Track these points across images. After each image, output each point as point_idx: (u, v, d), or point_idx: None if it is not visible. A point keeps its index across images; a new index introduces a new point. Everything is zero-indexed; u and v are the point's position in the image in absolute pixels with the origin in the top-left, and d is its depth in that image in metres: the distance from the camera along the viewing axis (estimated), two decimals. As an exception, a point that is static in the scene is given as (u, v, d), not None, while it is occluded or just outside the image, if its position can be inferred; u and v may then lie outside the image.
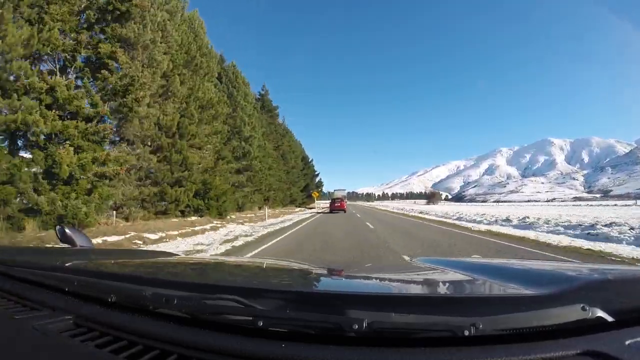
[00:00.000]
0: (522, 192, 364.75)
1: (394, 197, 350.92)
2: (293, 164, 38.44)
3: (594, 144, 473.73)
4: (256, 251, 6.78)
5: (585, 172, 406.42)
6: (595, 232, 7.95)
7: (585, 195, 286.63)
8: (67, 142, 8.30)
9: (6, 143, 7.86)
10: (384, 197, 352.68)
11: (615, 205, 40.06)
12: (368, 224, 13.31)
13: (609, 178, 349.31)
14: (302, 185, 42.64)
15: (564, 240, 7.34)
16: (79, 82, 9.22)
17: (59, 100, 8.11)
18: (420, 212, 23.63)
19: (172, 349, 0.53)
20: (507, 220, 12.61)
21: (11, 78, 7.51)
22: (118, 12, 9.61)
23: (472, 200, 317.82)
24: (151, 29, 10.37)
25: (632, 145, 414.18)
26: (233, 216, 16.99)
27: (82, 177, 8.28)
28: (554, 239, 7.56)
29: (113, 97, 9.60)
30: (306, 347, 0.50)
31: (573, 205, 49.53)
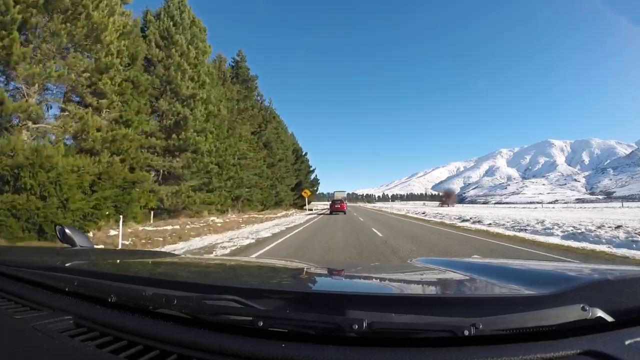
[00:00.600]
0: (524, 193, 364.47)
1: (394, 198, 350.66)
2: (281, 156, 31.00)
3: (595, 145, 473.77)
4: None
5: (586, 173, 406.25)
6: None
7: (587, 197, 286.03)
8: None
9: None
10: (384, 198, 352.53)
11: (629, 207, 36.13)
12: (400, 245, 7.46)
13: (610, 179, 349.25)
14: (293, 183, 35.60)
15: None
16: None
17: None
18: (442, 217, 18.34)
19: (172, 349, 0.53)
20: (557, 225, 10.36)
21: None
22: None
23: (473, 201, 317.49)
24: None
25: (632, 146, 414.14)
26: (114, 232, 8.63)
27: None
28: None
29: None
30: (306, 347, 0.50)
31: (581, 207, 45.33)
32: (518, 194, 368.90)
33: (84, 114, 9.58)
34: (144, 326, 0.60)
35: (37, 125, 8.81)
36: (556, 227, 10.23)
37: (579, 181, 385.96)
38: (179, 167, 14.33)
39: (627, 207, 37.59)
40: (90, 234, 8.46)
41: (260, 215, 20.83)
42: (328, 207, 38.88)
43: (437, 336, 0.50)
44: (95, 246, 1.33)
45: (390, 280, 1.05)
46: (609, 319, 0.51)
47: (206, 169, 15.91)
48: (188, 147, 14.37)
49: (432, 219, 18.24)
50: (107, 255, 1.37)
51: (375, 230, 11.03)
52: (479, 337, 0.48)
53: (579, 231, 8.95)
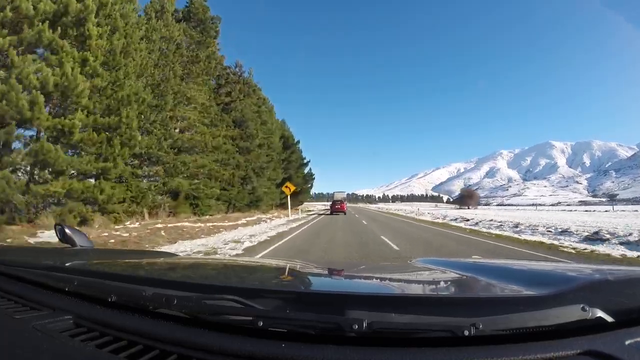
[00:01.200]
0: (525, 195, 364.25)
1: (395, 199, 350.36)
2: (261, 141, 22.71)
3: (596, 147, 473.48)
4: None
5: (588, 175, 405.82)
6: None
7: (590, 199, 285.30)
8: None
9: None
10: (384, 199, 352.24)
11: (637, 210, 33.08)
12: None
13: (613, 182, 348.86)
14: (280, 177, 27.31)
15: None
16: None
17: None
18: (490, 224, 13.71)
19: (172, 349, 0.53)
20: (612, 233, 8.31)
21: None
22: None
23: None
24: None
25: (634, 149, 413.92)
26: None
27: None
28: None
29: None
30: (306, 347, 0.50)
31: (586, 210, 41.87)
32: (520, 195, 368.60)
33: None
34: (144, 326, 0.60)
35: None
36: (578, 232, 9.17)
37: (580, 183, 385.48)
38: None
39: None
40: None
41: (201, 225, 11.72)
42: (327, 207, 38.25)
43: (437, 336, 0.50)
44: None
45: (390, 280, 1.05)
46: (609, 319, 0.51)
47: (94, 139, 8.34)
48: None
49: (486, 229, 12.13)
50: (107, 255, 1.37)
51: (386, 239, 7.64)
52: (479, 337, 0.48)
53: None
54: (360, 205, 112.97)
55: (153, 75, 12.81)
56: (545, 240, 8.85)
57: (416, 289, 0.92)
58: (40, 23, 7.81)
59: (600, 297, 0.54)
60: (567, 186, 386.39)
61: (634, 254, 6.32)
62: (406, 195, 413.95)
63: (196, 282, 0.81)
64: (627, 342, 0.49)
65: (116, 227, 9.81)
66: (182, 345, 0.53)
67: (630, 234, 8.28)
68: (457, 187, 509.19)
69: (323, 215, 25.43)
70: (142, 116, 11.54)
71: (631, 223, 12.49)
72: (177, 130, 14.92)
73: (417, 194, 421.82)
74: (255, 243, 8.58)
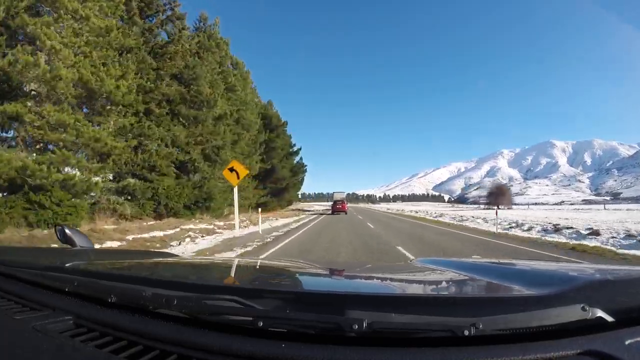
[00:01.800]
0: (528, 194, 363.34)
1: (396, 199, 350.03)
2: (223, 110, 15.74)
3: (596, 146, 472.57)
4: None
5: (589, 174, 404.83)
6: None
7: (594, 198, 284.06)
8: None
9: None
10: (384, 199, 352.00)
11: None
12: None
13: (615, 180, 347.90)
14: (256, 168, 20.57)
15: None
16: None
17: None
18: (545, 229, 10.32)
19: (172, 349, 0.53)
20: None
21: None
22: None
23: (476, 202, 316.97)
24: None
25: (635, 147, 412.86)
26: None
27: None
28: None
29: None
30: (306, 347, 0.50)
31: (616, 209, 38.79)
32: (522, 194, 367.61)
33: None
34: (144, 326, 0.60)
35: None
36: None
37: (582, 182, 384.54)
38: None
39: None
40: None
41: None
42: (327, 207, 37.44)
43: (437, 336, 0.50)
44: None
45: (390, 280, 1.05)
46: (609, 318, 0.51)
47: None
48: None
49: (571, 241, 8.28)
50: (107, 255, 1.37)
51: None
52: (479, 337, 0.48)
53: None
54: (362, 205, 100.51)
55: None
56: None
57: (416, 289, 0.92)
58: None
59: (600, 296, 0.54)
60: (569, 185, 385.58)
61: None
62: (407, 195, 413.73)
63: (196, 282, 0.81)
64: (627, 342, 0.49)
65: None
66: (182, 345, 0.53)
67: None
68: (457, 187, 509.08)
69: (321, 218, 20.42)
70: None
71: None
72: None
73: (418, 194, 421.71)
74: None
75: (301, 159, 35.22)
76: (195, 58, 14.60)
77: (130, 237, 8.31)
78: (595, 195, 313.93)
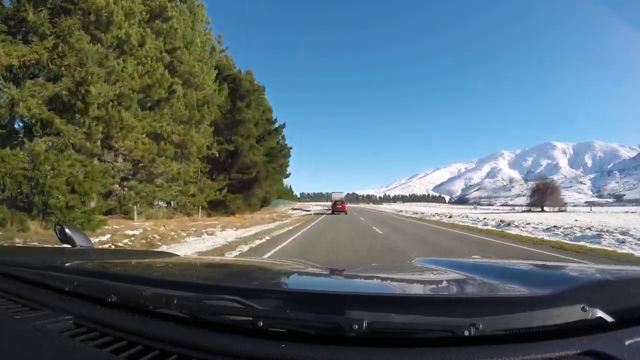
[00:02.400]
0: (530, 195, 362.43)
1: (396, 199, 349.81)
2: (138, 40, 10.05)
3: (597, 148, 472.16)
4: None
5: (591, 176, 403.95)
6: None
7: (597, 200, 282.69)
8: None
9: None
10: (385, 199, 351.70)
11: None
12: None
13: (617, 182, 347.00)
14: (200, 142, 13.82)
15: None
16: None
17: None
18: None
19: (172, 349, 0.53)
20: None
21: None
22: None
23: (477, 203, 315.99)
24: None
25: (635, 149, 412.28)
26: None
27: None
28: None
29: None
30: (306, 347, 0.50)
31: (622, 211, 34.69)
32: (524, 196, 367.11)
33: None
34: (144, 326, 0.60)
35: None
36: None
37: (584, 184, 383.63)
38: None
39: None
40: None
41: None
42: (326, 208, 37.06)
43: (437, 336, 0.50)
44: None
45: (390, 280, 1.05)
46: (609, 319, 0.51)
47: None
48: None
49: None
50: (107, 255, 1.37)
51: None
52: (479, 337, 0.48)
53: None
54: (363, 205, 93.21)
55: None
56: None
57: (416, 289, 0.92)
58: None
59: (600, 297, 0.54)
60: (570, 187, 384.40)
61: None
62: (407, 195, 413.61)
63: (196, 282, 0.81)
64: (627, 342, 0.49)
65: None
66: (182, 345, 0.53)
67: None
68: (457, 188, 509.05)
69: (315, 224, 15.11)
70: None
71: None
72: None
73: (418, 194, 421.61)
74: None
75: (284, 138, 24.25)
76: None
77: None
78: (598, 197, 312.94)
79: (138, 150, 11.19)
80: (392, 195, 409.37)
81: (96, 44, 9.11)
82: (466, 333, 0.47)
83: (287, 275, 1.16)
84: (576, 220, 16.80)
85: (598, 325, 0.51)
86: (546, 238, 9.41)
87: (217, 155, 17.26)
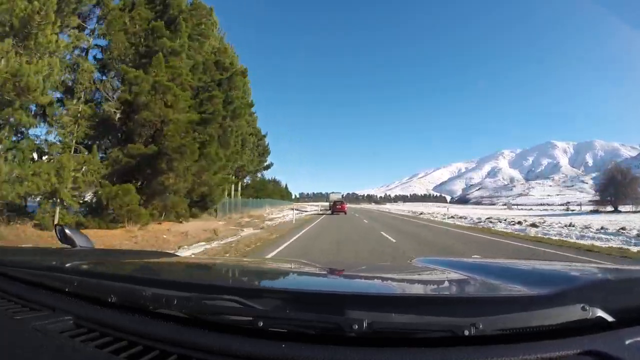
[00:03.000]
0: (532, 195, 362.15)
1: (397, 199, 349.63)
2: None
3: (598, 147, 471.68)
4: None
5: (592, 175, 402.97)
6: None
7: (600, 199, 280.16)
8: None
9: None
10: (385, 199, 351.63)
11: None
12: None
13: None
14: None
15: None
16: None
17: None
18: None
19: (172, 349, 0.53)
20: None
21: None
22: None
23: (478, 203, 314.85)
24: None
25: (636, 148, 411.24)
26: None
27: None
28: None
29: None
30: (306, 347, 0.50)
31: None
32: (525, 195, 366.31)
33: None
34: (144, 326, 0.60)
35: None
36: None
37: (586, 183, 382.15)
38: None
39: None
40: None
41: None
42: (320, 208, 36.58)
43: (437, 336, 0.50)
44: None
45: (390, 280, 1.05)
46: (609, 318, 0.51)
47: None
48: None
49: None
50: (107, 255, 1.37)
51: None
52: (479, 337, 0.48)
53: None
54: (365, 206, 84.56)
55: None
56: None
57: (416, 289, 0.92)
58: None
59: (600, 296, 0.54)
60: (572, 186, 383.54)
61: None
62: (408, 195, 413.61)
63: (196, 282, 0.81)
64: (627, 342, 0.49)
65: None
66: (182, 345, 0.53)
67: None
68: (458, 187, 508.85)
69: (302, 234, 10.77)
70: None
71: None
72: None
73: (418, 194, 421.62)
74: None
75: (244, 85, 16.88)
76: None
77: None
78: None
79: None
80: (392, 195, 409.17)
81: None
82: (466, 333, 0.47)
83: (287, 275, 1.16)
84: None
85: (598, 325, 0.51)
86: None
87: (115, 113, 10.16)
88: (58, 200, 9.23)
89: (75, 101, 10.20)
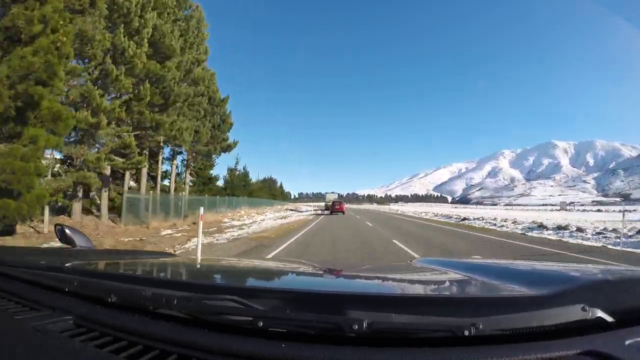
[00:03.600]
0: (533, 195, 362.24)
1: (398, 199, 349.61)
2: None
3: (599, 147, 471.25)
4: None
5: (593, 175, 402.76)
6: None
7: (603, 199, 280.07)
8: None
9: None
10: (386, 199, 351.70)
11: None
12: None
13: (622, 181, 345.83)
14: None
15: None
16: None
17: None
18: None
19: (172, 349, 0.53)
20: None
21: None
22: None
23: (479, 203, 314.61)
24: None
25: (637, 148, 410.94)
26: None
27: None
28: None
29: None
30: (306, 347, 0.50)
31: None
32: (527, 195, 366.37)
33: None
34: (144, 326, 0.60)
35: None
36: None
37: (588, 182, 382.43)
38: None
39: None
40: None
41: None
42: (315, 209, 36.31)
43: (437, 336, 0.50)
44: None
45: (390, 280, 1.05)
46: (609, 319, 0.51)
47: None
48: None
49: None
50: (107, 255, 1.37)
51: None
52: (479, 337, 0.48)
53: None
54: (367, 207, 77.65)
55: None
56: None
57: (416, 289, 0.92)
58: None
59: (600, 297, 0.54)
60: (574, 186, 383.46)
61: None
62: (409, 195, 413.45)
63: (196, 282, 0.81)
64: (627, 342, 0.49)
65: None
66: (182, 345, 0.53)
67: None
68: (458, 188, 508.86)
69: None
70: None
71: None
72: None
73: (419, 194, 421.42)
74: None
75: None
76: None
77: None
78: (603, 196, 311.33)
79: None
80: (393, 195, 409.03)
81: None
82: (466, 333, 0.47)
83: (287, 275, 1.16)
84: None
85: (598, 325, 0.51)
86: None
87: None
88: None
89: None
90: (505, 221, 16.25)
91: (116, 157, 11.23)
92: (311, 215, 25.34)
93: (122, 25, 10.57)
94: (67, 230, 1.17)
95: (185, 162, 20.01)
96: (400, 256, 6.71)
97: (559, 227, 12.34)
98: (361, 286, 0.97)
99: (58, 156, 11.61)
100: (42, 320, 0.63)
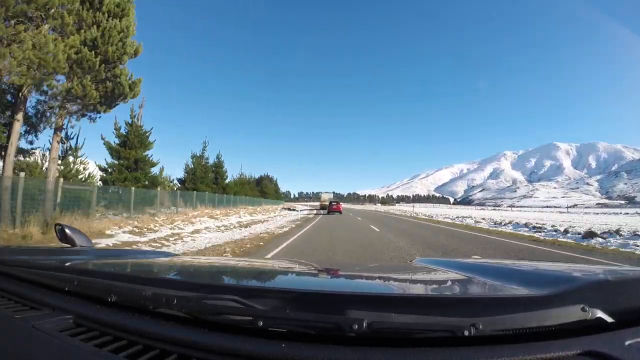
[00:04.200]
0: (536, 197, 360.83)
1: (400, 200, 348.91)
2: None
3: (601, 149, 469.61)
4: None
5: (595, 177, 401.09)
6: None
7: (607, 201, 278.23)
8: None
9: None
10: (388, 199, 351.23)
11: None
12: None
13: (625, 184, 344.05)
14: None
15: None
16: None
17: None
18: None
19: (172, 348, 0.53)
20: None
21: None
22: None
23: (481, 204, 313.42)
24: None
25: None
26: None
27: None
28: None
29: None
30: (306, 347, 0.50)
31: None
32: (530, 197, 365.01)
33: None
34: (144, 326, 0.60)
35: None
36: None
37: (591, 185, 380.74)
38: None
39: None
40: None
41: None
42: (310, 209, 35.61)
43: (437, 336, 0.50)
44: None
45: (390, 280, 1.04)
46: (609, 319, 0.51)
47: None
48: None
49: None
50: (107, 254, 1.37)
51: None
52: (479, 337, 0.48)
53: None
54: (367, 206, 72.53)
55: None
56: None
57: (416, 289, 0.92)
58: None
59: (600, 297, 0.54)
60: (577, 188, 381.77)
61: None
62: (410, 196, 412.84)
63: (196, 281, 0.81)
64: (627, 343, 0.49)
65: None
66: (182, 345, 0.54)
67: None
68: (460, 188, 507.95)
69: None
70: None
71: None
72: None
73: (420, 195, 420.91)
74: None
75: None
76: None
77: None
78: (607, 198, 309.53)
79: None
80: (394, 196, 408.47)
81: None
82: (466, 333, 0.48)
83: (287, 275, 1.16)
84: None
85: (598, 326, 0.51)
86: None
87: None
88: None
89: None
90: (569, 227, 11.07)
91: None
92: (298, 220, 18.29)
93: None
94: (67, 230, 1.17)
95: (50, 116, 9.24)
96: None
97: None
98: (361, 286, 0.97)
99: None
100: (42, 320, 0.63)
